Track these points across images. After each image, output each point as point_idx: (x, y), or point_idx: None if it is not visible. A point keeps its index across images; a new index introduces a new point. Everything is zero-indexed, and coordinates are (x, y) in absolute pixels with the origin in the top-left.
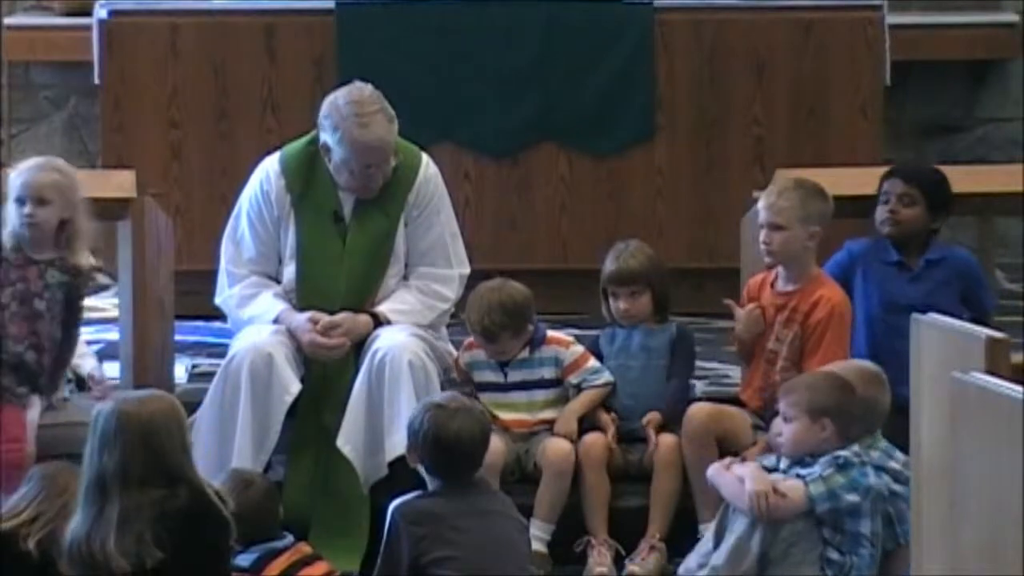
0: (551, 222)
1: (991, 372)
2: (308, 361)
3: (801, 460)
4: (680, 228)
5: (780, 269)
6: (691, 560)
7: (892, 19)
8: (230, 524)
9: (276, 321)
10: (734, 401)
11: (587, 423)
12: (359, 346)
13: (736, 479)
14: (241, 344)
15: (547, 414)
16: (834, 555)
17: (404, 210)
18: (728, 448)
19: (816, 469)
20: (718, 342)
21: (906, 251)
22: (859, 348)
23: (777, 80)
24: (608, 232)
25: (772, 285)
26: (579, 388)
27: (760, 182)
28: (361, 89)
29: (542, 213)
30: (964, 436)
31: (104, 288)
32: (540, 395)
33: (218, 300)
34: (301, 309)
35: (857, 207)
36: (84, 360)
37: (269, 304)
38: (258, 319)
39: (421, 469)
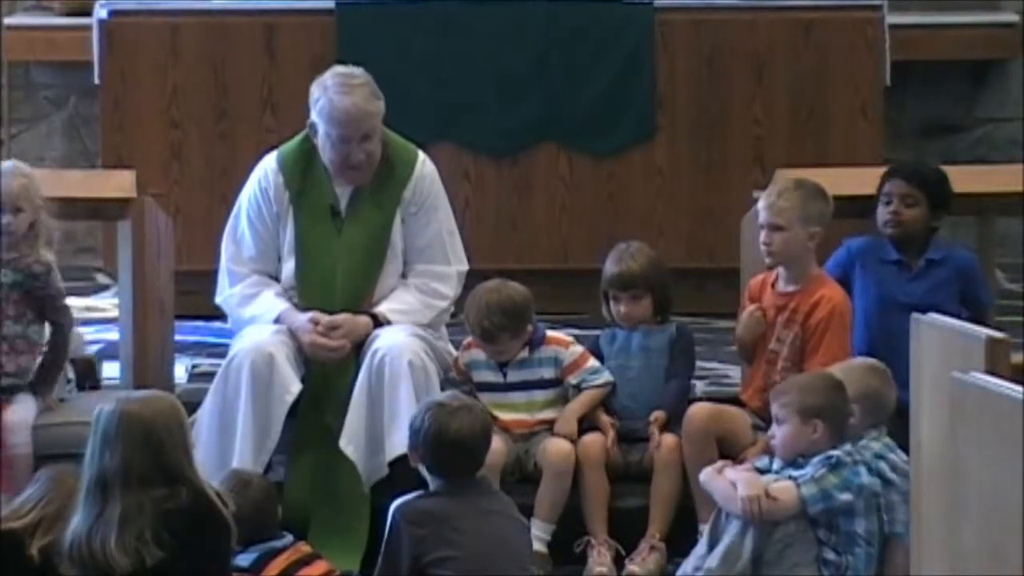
0: (551, 222)
1: (991, 372)
2: (308, 361)
3: (794, 461)
4: (680, 228)
5: (781, 270)
6: (688, 564)
7: (892, 19)
8: (231, 525)
9: (277, 321)
10: (734, 401)
11: (587, 423)
12: (359, 346)
13: (728, 484)
14: (242, 344)
15: (547, 414)
16: (830, 555)
17: (400, 205)
18: (728, 448)
19: (808, 470)
20: (718, 342)
21: (907, 250)
22: (857, 346)
23: (777, 80)
24: (608, 232)
25: (773, 286)
26: (578, 388)
27: (760, 182)
28: (350, 68)
29: (542, 213)
30: (964, 436)
31: (104, 288)
32: (539, 395)
33: (219, 299)
34: (301, 307)
35: (857, 207)
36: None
37: (270, 303)
38: (259, 318)
39: (423, 469)
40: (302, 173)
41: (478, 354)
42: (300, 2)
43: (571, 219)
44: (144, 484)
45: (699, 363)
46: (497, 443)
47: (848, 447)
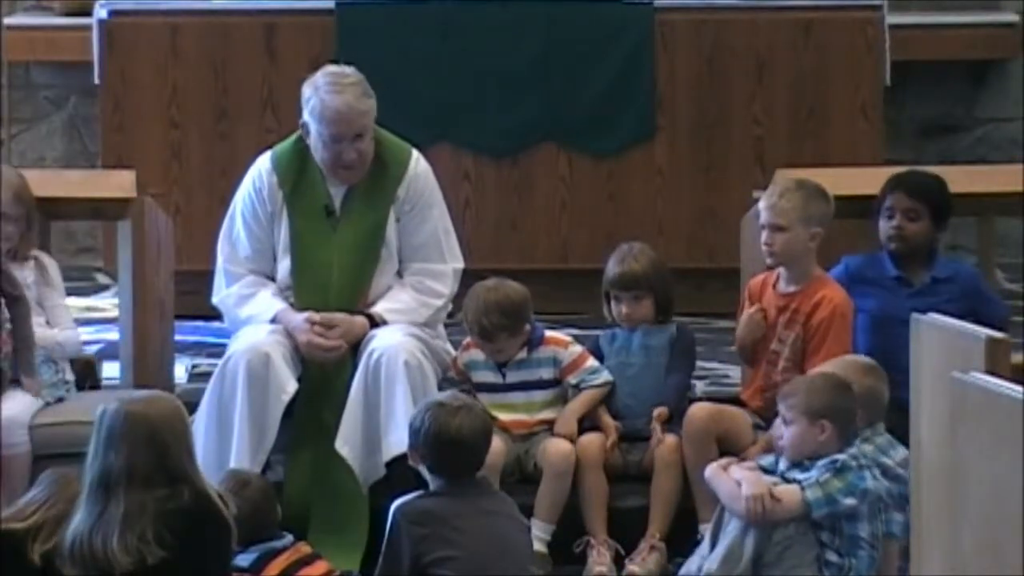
0: (551, 222)
1: (991, 372)
2: (305, 361)
3: (800, 462)
4: (680, 228)
5: (782, 270)
6: (692, 563)
7: (892, 19)
8: (231, 525)
9: (274, 320)
10: (734, 401)
11: (588, 424)
12: (356, 346)
13: (733, 482)
14: (238, 344)
15: (546, 414)
16: (832, 557)
17: (394, 204)
18: (728, 448)
19: (813, 474)
20: (718, 342)
21: (907, 265)
22: None
23: (777, 80)
24: (608, 232)
25: (774, 286)
26: (578, 388)
27: (760, 182)
28: (341, 67)
29: (542, 213)
30: (964, 436)
31: (104, 288)
32: (539, 395)
33: (215, 299)
34: (297, 306)
35: (857, 207)
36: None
37: (267, 303)
38: (256, 318)
39: (423, 469)
40: (296, 173)
41: (477, 354)
42: (300, 2)
43: (571, 219)
44: (147, 484)
45: (699, 363)
46: (497, 443)
47: (854, 450)
